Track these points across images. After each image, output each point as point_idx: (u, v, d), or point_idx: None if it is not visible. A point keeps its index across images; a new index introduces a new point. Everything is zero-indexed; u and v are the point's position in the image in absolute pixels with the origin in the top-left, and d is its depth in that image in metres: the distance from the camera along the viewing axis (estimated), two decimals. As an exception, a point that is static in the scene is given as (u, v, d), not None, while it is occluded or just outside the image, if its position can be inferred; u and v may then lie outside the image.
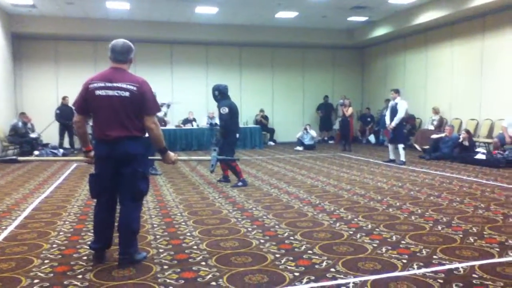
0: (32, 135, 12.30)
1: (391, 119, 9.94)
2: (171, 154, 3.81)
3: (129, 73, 3.61)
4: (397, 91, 10.18)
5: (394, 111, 9.92)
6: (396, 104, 9.94)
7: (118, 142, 3.46)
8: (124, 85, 3.46)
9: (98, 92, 3.45)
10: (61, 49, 14.92)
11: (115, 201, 3.67)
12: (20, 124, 12.04)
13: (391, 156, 10.19)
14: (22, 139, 11.87)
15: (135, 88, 3.47)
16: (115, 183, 3.57)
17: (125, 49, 3.60)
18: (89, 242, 4.04)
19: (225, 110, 7.26)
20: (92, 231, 3.78)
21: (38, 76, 14.73)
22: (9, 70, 13.40)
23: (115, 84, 3.46)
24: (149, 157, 3.78)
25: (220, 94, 7.48)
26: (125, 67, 3.62)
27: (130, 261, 3.57)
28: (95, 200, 3.71)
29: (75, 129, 3.68)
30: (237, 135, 7.54)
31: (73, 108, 3.65)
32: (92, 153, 3.71)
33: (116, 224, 3.66)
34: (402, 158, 9.85)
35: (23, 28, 13.56)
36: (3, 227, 4.82)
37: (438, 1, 12.10)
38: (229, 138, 7.37)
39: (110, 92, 3.44)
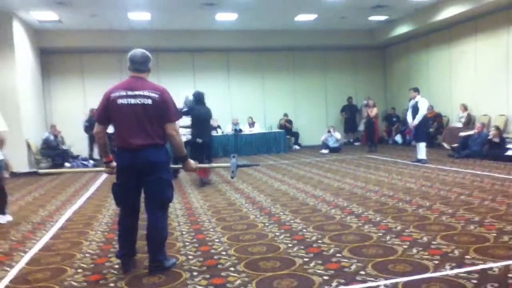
0: (63, 147, 12.61)
1: (413, 118, 9.85)
2: (192, 162, 3.85)
3: (149, 81, 3.65)
4: (416, 90, 10.06)
5: (415, 110, 9.83)
6: (417, 102, 9.82)
7: (141, 150, 3.47)
8: (146, 93, 3.49)
9: (120, 101, 3.47)
10: (86, 62, 15.27)
11: (138, 209, 3.70)
12: (51, 137, 12.37)
13: (419, 156, 10.05)
14: (54, 152, 12.19)
15: (157, 96, 3.50)
16: (138, 192, 3.61)
17: (144, 59, 3.65)
18: None
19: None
20: (117, 239, 3.84)
21: (66, 89, 15.10)
22: (39, 85, 13.79)
23: (136, 93, 3.49)
24: (171, 166, 3.82)
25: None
26: (145, 76, 3.65)
27: (160, 269, 3.62)
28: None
29: (96, 139, 3.70)
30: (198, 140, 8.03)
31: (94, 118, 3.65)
32: (113, 164, 3.76)
33: (144, 232, 3.71)
34: (423, 156, 9.84)
35: (50, 43, 13.94)
36: (38, 238, 4.96)
37: (460, -4, 11.89)
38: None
39: (132, 101, 3.47)
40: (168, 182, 3.63)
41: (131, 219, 3.68)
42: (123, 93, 3.49)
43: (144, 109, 3.46)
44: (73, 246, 4.58)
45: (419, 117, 9.70)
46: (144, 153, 3.48)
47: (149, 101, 3.47)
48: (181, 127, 8.36)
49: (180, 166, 3.88)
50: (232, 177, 5.69)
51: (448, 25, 13.46)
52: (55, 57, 14.87)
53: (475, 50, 12.84)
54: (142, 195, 3.67)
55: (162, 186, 3.57)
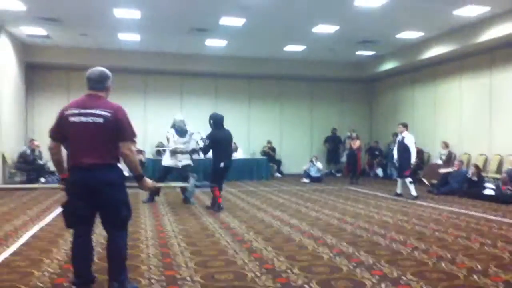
0: (40, 162, 12.38)
1: (398, 154, 9.85)
2: (148, 180, 3.72)
3: (105, 100, 3.55)
4: (405, 125, 10.02)
5: (401, 146, 9.81)
6: (403, 138, 9.81)
7: (93, 169, 3.38)
8: (98, 112, 3.40)
9: (72, 119, 3.40)
10: (73, 79, 15.15)
11: (91, 231, 3.60)
12: (28, 151, 12.14)
13: (398, 190, 10.11)
14: (30, 166, 11.94)
15: (109, 115, 3.41)
16: (91, 212, 3.50)
17: (101, 77, 3.58)
18: None
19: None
20: (72, 265, 3.62)
21: (50, 105, 14.88)
22: (21, 99, 13.64)
23: (89, 111, 3.41)
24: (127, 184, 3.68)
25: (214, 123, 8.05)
26: (101, 94, 3.56)
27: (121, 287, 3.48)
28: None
29: (50, 155, 3.62)
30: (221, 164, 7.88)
31: (50, 138, 3.59)
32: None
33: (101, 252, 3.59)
34: (399, 190, 10.01)
35: (37, 57, 13.88)
36: (-2, 254, 4.77)
37: (445, 36, 12.16)
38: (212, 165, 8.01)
39: (84, 119, 3.39)
40: (122, 201, 3.51)
41: (85, 243, 3.54)
42: (76, 111, 3.42)
43: (96, 128, 3.37)
44: (33, 264, 4.40)
45: (414, 155, 9.72)
46: (96, 172, 3.38)
47: (100, 120, 3.38)
48: (179, 152, 8.33)
49: (135, 185, 3.72)
50: (189, 200, 5.78)
51: (433, 63, 13.74)
52: (42, 73, 14.80)
53: (459, 89, 13.08)
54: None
55: (117, 205, 3.47)
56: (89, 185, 3.39)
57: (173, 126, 8.55)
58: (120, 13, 10.41)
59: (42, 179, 11.71)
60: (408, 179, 9.77)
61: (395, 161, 10.16)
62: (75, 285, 3.54)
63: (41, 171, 12.14)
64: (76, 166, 3.44)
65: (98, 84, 3.56)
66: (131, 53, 14.33)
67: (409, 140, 9.75)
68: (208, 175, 8.89)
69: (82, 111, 3.42)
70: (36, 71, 14.65)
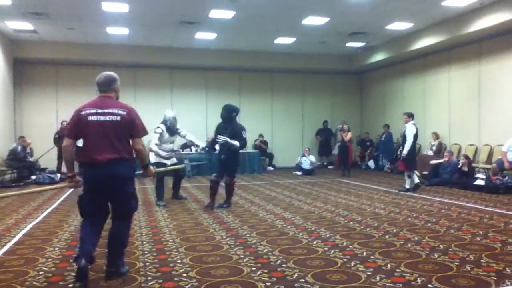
0: (31, 160, 12.26)
1: (402, 146, 9.48)
2: (151, 167, 4.31)
3: (117, 100, 3.95)
4: (409, 115, 9.56)
5: (405, 137, 9.46)
6: (406, 128, 9.45)
7: (108, 164, 3.68)
8: (115, 111, 3.77)
9: (90, 118, 3.72)
10: (61, 74, 15.03)
11: (103, 221, 3.87)
12: (19, 148, 12.00)
13: (406, 185, 9.63)
14: (20, 163, 11.82)
15: (125, 113, 3.79)
16: (105, 204, 3.81)
17: (108, 80, 3.92)
18: (76, 269, 3.96)
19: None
20: (78, 246, 3.86)
21: (38, 100, 14.80)
22: (9, 94, 13.47)
23: (106, 110, 3.75)
24: (136, 172, 4.16)
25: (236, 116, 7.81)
26: (112, 95, 3.92)
27: (116, 273, 3.82)
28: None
29: (64, 153, 3.82)
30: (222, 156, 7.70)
31: (64, 134, 3.94)
32: (77, 178, 3.88)
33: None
34: (407, 185, 9.47)
35: (24, 53, 13.70)
36: (-9, 253, 4.74)
37: (434, 27, 12.21)
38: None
39: (102, 118, 3.72)
40: (132, 194, 3.91)
41: (96, 227, 3.80)
42: (93, 110, 3.74)
43: (113, 126, 3.72)
44: (28, 262, 4.38)
45: (407, 147, 9.27)
46: (111, 166, 3.69)
47: (118, 118, 3.75)
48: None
49: (141, 171, 4.28)
50: (188, 176, 5.97)
51: (423, 54, 13.80)
52: (30, 68, 14.62)
53: (448, 80, 13.16)
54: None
55: (127, 198, 3.84)
56: (106, 179, 3.71)
57: (164, 123, 8.06)
58: (108, 6, 10.29)
59: (33, 177, 11.59)
60: (407, 173, 9.53)
61: (398, 152, 9.68)
62: (76, 264, 3.64)
63: (32, 168, 12.02)
64: (91, 162, 3.71)
65: (106, 86, 3.91)
66: (120, 46, 14.19)
67: (409, 131, 9.37)
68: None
69: (100, 110, 3.75)
70: (24, 66, 14.46)
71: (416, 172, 9.75)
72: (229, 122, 7.57)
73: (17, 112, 14.25)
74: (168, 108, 9.48)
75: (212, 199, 7.63)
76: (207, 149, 8.29)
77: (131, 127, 3.81)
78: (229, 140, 7.38)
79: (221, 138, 7.46)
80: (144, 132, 3.90)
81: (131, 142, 3.88)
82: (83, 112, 3.75)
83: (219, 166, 7.83)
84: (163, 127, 8.00)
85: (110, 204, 3.84)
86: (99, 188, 3.74)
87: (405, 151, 9.36)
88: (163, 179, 8.16)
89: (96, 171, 3.70)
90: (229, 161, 7.58)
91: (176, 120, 8.18)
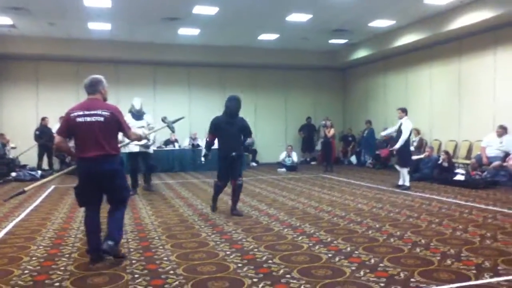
0: (10, 157, 12.08)
1: (397, 141, 9.35)
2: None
3: (102, 101, 4.33)
4: (404, 110, 9.43)
5: (399, 132, 9.33)
6: (401, 124, 9.30)
7: (97, 160, 4.12)
8: (99, 112, 4.18)
9: (78, 119, 4.14)
10: (42, 70, 14.79)
11: (99, 208, 4.36)
12: (-2, 145, 11.84)
13: (400, 182, 9.52)
14: (0, 160, 11.63)
15: (108, 114, 4.20)
16: (99, 194, 4.30)
17: (93, 83, 4.33)
18: (62, 268, 4.08)
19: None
20: (86, 238, 4.40)
21: (18, 96, 14.54)
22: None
23: (92, 112, 4.16)
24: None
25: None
26: (98, 97, 4.32)
27: (112, 246, 4.18)
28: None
29: (59, 148, 4.35)
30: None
31: (55, 133, 4.48)
32: None
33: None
34: (406, 182, 9.30)
35: (3, 48, 13.44)
36: (-26, 253, 4.67)
37: (416, 24, 12.38)
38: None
39: (88, 119, 4.14)
40: (122, 185, 4.40)
41: (94, 214, 4.30)
42: (81, 112, 4.16)
43: (98, 125, 4.14)
44: (12, 261, 4.34)
45: (401, 141, 9.14)
46: (99, 162, 4.13)
47: (101, 119, 4.16)
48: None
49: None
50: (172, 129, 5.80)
51: (404, 51, 13.98)
52: (8, 64, 14.37)
53: (429, 77, 13.37)
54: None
55: (118, 189, 4.33)
56: (95, 173, 4.16)
57: (130, 111, 8.86)
58: (90, 1, 10.16)
59: (13, 173, 11.42)
60: (405, 169, 9.40)
61: (393, 149, 9.59)
62: (89, 253, 4.24)
63: (12, 165, 11.84)
64: (84, 158, 4.16)
65: (92, 88, 4.32)
66: (102, 42, 14.01)
67: (406, 126, 9.19)
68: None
69: (86, 112, 4.17)
70: (2, 62, 14.19)
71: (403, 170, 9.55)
72: (236, 115, 6.75)
73: (-4, 108, 14.00)
74: (136, 97, 9.44)
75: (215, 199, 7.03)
76: (207, 154, 6.93)
77: (117, 125, 4.27)
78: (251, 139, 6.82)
79: (250, 140, 6.88)
80: (127, 128, 4.45)
81: (120, 137, 4.51)
82: (72, 115, 4.16)
83: (226, 167, 6.64)
84: (129, 115, 8.72)
85: (105, 194, 4.35)
86: (90, 180, 4.18)
87: (398, 145, 9.21)
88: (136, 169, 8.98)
89: (87, 166, 4.16)
90: (240, 159, 6.74)
91: (142, 107, 9.05)
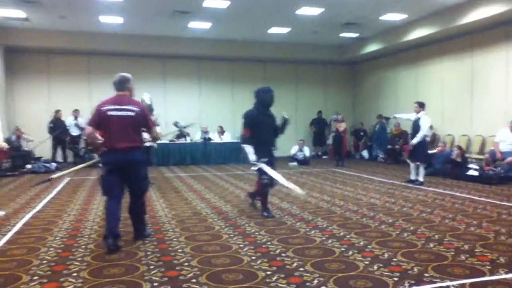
0: (26, 149, 12.26)
1: (413, 135, 9.23)
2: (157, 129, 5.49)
3: (130, 98, 4.71)
4: (421, 105, 9.22)
5: (416, 127, 9.15)
6: (419, 119, 9.12)
7: (126, 151, 4.50)
8: (130, 107, 4.58)
9: (110, 113, 4.49)
10: (54, 63, 14.91)
11: (121, 199, 4.60)
12: (13, 137, 12.01)
13: (412, 176, 9.37)
14: (15, 153, 11.79)
15: (138, 109, 4.63)
16: (122, 184, 4.59)
17: (122, 81, 4.72)
18: (79, 258, 4.12)
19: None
20: (105, 224, 4.58)
21: (31, 89, 14.68)
22: (1, 83, 13.35)
23: (123, 107, 4.55)
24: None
25: None
26: (127, 94, 4.70)
27: (141, 236, 4.81)
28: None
29: (89, 138, 4.65)
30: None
31: (87, 124, 4.83)
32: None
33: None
34: (421, 178, 9.16)
35: (16, 41, 13.55)
36: (-8, 243, 4.76)
37: (427, 18, 12.27)
38: None
39: (120, 113, 4.51)
40: (144, 176, 4.83)
41: (115, 202, 4.54)
42: (112, 107, 4.53)
43: (129, 119, 4.52)
44: (30, 251, 4.42)
45: (418, 137, 8.96)
46: (128, 153, 4.50)
47: (132, 114, 4.56)
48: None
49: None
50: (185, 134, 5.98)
51: (416, 45, 13.88)
52: (21, 56, 14.49)
53: (441, 71, 13.27)
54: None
55: (140, 179, 4.70)
56: (125, 163, 4.53)
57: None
58: (103, -5, 10.23)
59: (28, 166, 11.58)
60: (422, 165, 9.25)
61: (409, 144, 9.46)
62: (106, 238, 4.37)
63: (27, 157, 12.01)
64: (113, 148, 4.50)
65: (121, 85, 4.70)
66: (112, 35, 14.06)
67: (424, 122, 9.02)
68: None
69: (118, 107, 4.54)
70: (15, 55, 14.32)
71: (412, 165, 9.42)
72: (270, 107, 6.35)
73: (9, 101, 14.13)
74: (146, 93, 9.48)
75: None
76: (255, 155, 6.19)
77: (144, 121, 4.69)
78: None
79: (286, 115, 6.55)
80: (153, 124, 4.87)
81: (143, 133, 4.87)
82: (103, 108, 4.52)
83: (266, 162, 6.15)
84: None
85: (127, 185, 4.64)
86: (118, 170, 4.50)
87: (415, 141, 9.03)
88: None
89: (117, 156, 4.49)
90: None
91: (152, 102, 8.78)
